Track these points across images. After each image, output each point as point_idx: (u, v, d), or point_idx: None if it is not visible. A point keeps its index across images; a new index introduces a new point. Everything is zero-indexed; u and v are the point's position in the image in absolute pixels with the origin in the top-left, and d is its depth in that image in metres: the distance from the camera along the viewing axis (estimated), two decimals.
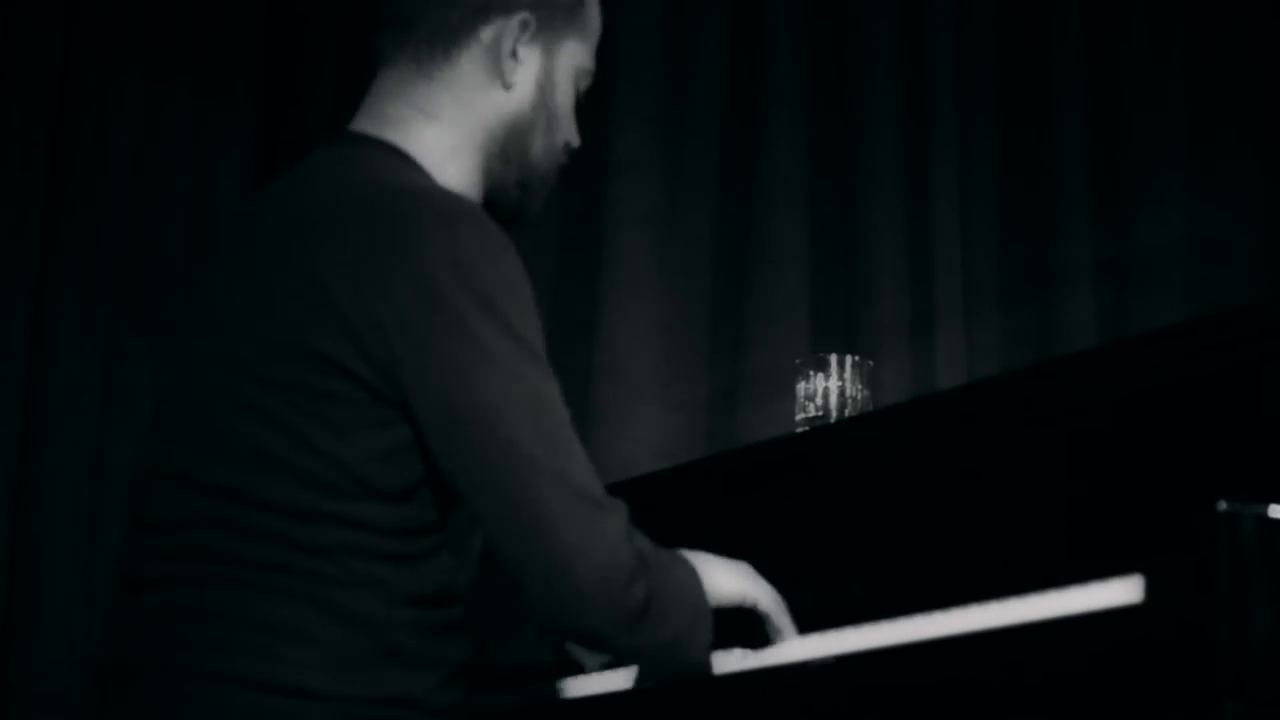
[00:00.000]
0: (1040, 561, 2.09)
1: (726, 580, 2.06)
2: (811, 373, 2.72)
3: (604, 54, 3.82)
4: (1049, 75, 3.91)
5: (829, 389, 2.71)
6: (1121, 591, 1.70)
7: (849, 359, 2.73)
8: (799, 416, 2.73)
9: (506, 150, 2.13)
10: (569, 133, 2.20)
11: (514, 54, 2.12)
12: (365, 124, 2.11)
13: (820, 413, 2.70)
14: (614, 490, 2.39)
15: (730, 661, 2.09)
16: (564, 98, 2.18)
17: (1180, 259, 3.80)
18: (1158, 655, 1.66)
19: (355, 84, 2.21)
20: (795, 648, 2.07)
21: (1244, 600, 1.62)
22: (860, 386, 2.72)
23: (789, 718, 1.99)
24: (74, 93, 3.48)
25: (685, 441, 3.68)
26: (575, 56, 2.19)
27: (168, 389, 2.05)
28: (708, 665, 2.00)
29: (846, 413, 2.69)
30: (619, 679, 2.23)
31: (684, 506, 2.57)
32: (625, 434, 3.64)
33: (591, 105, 3.82)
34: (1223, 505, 1.64)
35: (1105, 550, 2.00)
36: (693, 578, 2.00)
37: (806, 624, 2.14)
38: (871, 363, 2.77)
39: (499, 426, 1.88)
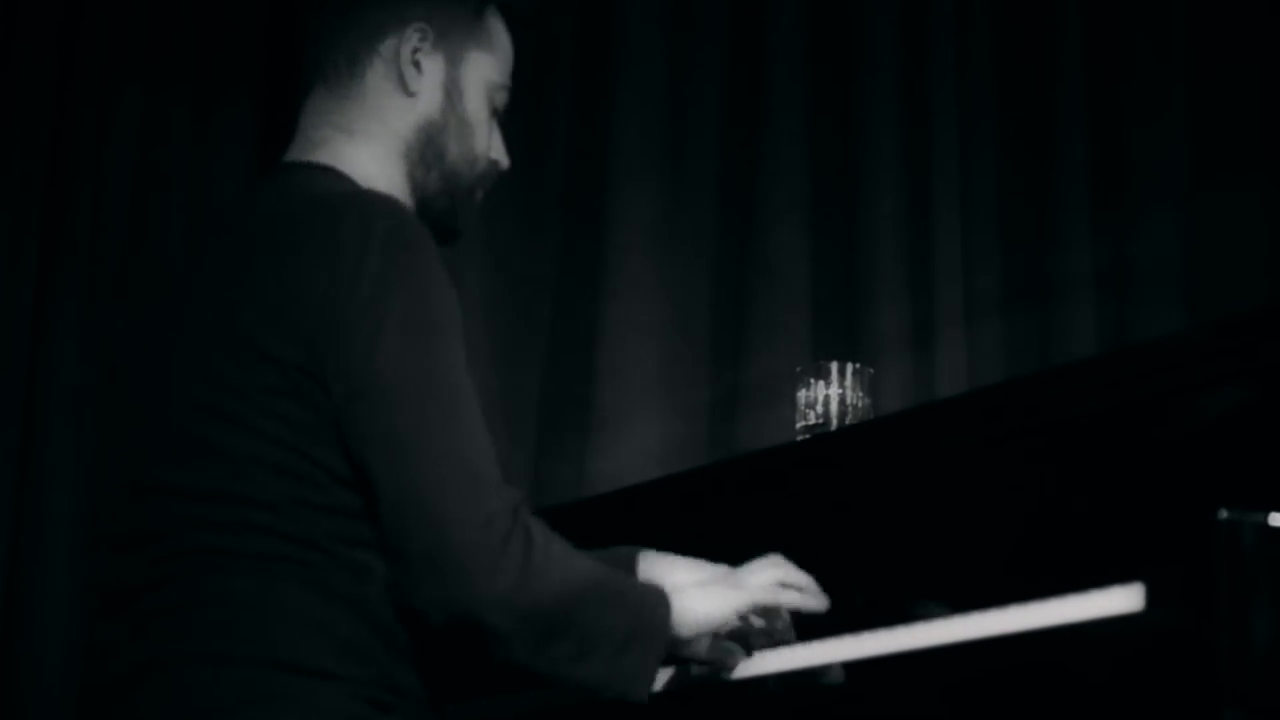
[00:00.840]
0: (1041, 569, 2.09)
1: (705, 604, 2.06)
2: (812, 380, 2.72)
3: (605, 59, 3.87)
4: (1050, 85, 3.91)
5: (829, 396, 2.71)
6: (1122, 599, 1.70)
7: (850, 367, 2.73)
8: (799, 424, 2.73)
9: (424, 155, 2.21)
10: (489, 146, 2.28)
11: (416, 64, 2.21)
12: (295, 152, 2.22)
13: (821, 420, 2.71)
14: (615, 497, 2.40)
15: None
16: (474, 107, 2.25)
17: (1180, 267, 3.79)
18: (1158, 663, 1.67)
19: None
20: (785, 656, 2.07)
21: (1244, 609, 1.62)
22: (861, 394, 2.72)
23: None
24: (75, 100, 3.49)
25: (686, 449, 3.68)
26: (481, 68, 2.26)
27: (135, 409, 2.11)
28: (644, 695, 1.99)
29: (847, 420, 2.69)
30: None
31: (684, 514, 2.57)
32: (626, 441, 3.64)
33: (593, 114, 3.86)
34: (1224, 514, 1.64)
35: (1106, 558, 2.00)
36: (643, 597, 2.01)
37: (807, 632, 2.15)
38: (872, 370, 2.77)
39: (396, 401, 1.94)
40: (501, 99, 2.30)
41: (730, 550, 2.48)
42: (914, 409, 3.19)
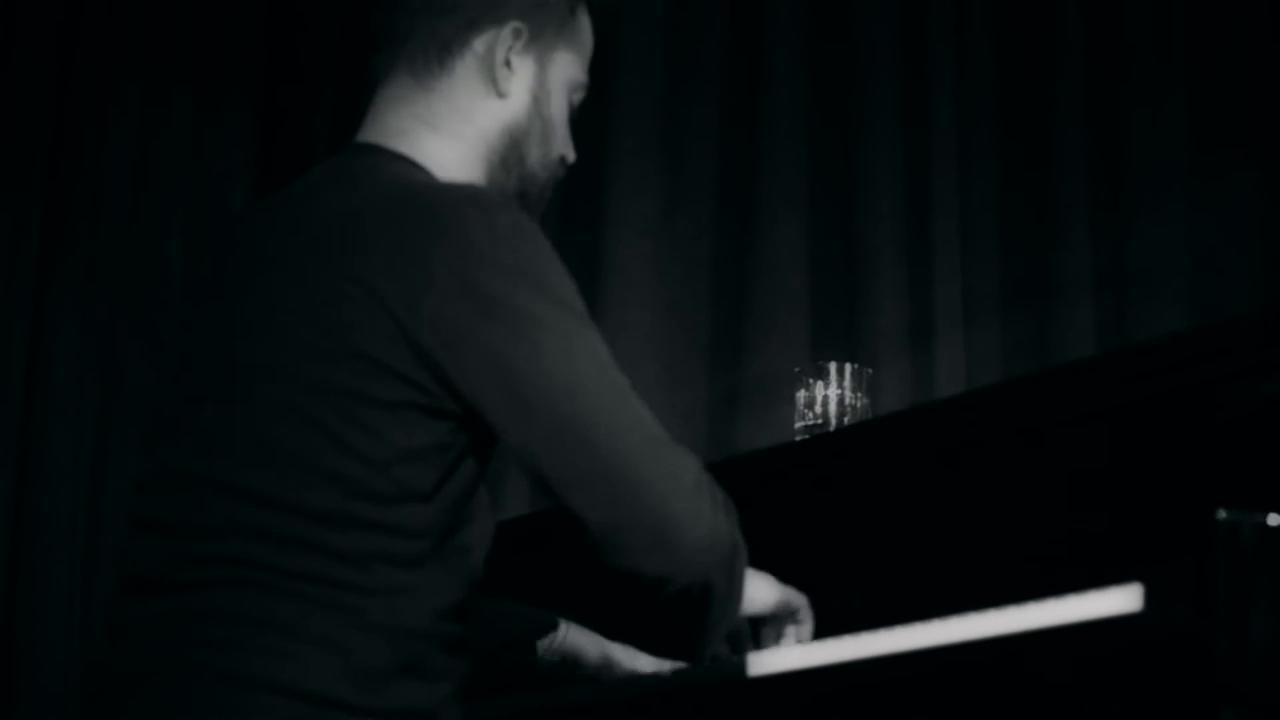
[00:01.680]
0: (1040, 570, 2.09)
1: (767, 591, 2.10)
2: (811, 380, 2.72)
3: (604, 61, 3.86)
4: (1049, 83, 3.92)
5: (828, 397, 2.71)
6: (1121, 600, 1.70)
7: (848, 367, 2.73)
8: (798, 424, 2.73)
9: (506, 159, 2.15)
10: (564, 145, 2.23)
11: (507, 63, 2.14)
12: (372, 135, 2.12)
13: (820, 420, 2.71)
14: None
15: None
16: (558, 108, 2.20)
17: (1180, 267, 3.80)
18: (1157, 664, 1.67)
19: (356, 92, 2.22)
20: (790, 655, 2.07)
21: (1243, 609, 1.62)
22: (860, 394, 2.72)
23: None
24: (74, 99, 3.49)
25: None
26: (568, 68, 2.20)
27: (183, 394, 2.02)
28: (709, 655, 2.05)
29: (846, 420, 2.69)
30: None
31: None
32: None
33: (591, 112, 3.85)
34: (1222, 514, 1.64)
35: (1105, 558, 2.01)
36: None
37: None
38: (871, 370, 2.77)
39: (573, 398, 1.91)
40: (579, 97, 2.25)
41: None
42: (913, 409, 3.19)
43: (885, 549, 2.30)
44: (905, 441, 2.33)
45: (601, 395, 1.93)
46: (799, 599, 2.15)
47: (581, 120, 3.97)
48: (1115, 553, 2.00)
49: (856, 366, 2.73)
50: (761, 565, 2.39)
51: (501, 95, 2.14)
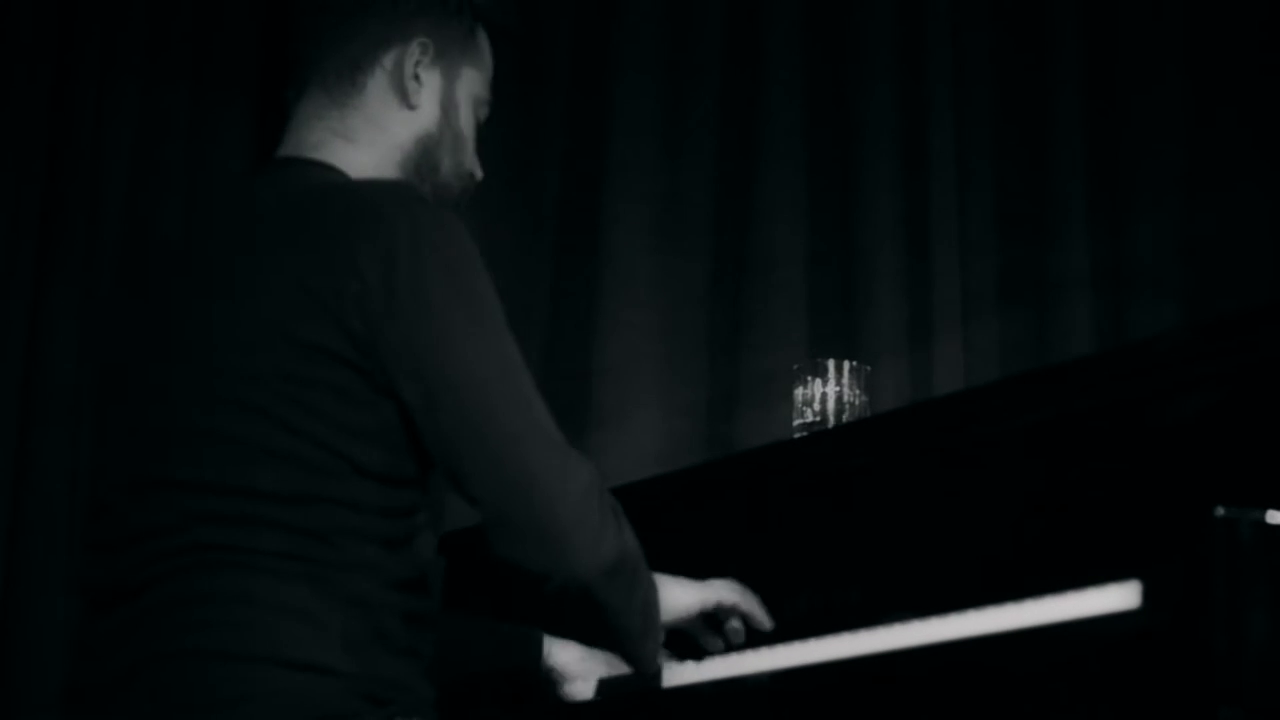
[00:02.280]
0: (1038, 566, 2.09)
1: (683, 593, 2.21)
2: (810, 378, 2.73)
3: (602, 57, 3.87)
4: (1046, 83, 3.92)
5: (827, 394, 2.71)
6: (1118, 597, 1.70)
7: (847, 364, 2.73)
8: (797, 421, 2.73)
9: (420, 166, 2.24)
10: (473, 161, 2.32)
11: (416, 77, 2.24)
12: (291, 150, 2.22)
13: (818, 418, 2.71)
14: (614, 495, 2.40)
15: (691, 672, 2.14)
16: (465, 122, 2.29)
17: (1177, 265, 3.80)
18: (1154, 661, 1.67)
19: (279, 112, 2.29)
20: (781, 654, 2.08)
21: (1241, 606, 1.62)
22: (858, 392, 2.72)
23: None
24: (72, 95, 3.49)
25: (684, 447, 3.69)
26: (472, 84, 2.30)
27: (130, 406, 2.10)
28: (656, 666, 2.13)
29: (844, 418, 2.70)
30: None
31: (683, 511, 2.57)
32: (624, 439, 3.65)
33: (591, 111, 3.86)
34: (1220, 511, 1.64)
35: (1102, 556, 2.01)
36: (652, 580, 2.13)
37: (804, 629, 2.15)
38: (869, 368, 2.77)
39: (480, 392, 2.00)
40: (484, 113, 2.34)
41: (729, 548, 2.49)
42: (911, 406, 3.19)
43: (883, 546, 2.30)
44: (904, 439, 2.34)
45: (506, 393, 2.02)
46: (729, 595, 2.24)
47: (580, 120, 3.98)
48: (1113, 550, 2.01)
49: (855, 364, 2.74)
50: (760, 563, 2.40)
51: (412, 107, 2.24)
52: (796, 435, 2.71)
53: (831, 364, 2.73)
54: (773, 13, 3.90)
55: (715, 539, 2.51)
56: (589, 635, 2.29)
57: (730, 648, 2.27)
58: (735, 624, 2.29)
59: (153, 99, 3.56)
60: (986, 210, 3.88)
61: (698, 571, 2.49)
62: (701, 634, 2.29)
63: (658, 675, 2.16)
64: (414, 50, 2.23)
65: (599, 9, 3.88)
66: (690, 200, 3.84)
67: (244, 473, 1.96)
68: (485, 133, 2.34)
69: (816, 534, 2.38)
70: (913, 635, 1.90)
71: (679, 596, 2.22)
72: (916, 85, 3.89)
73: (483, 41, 2.32)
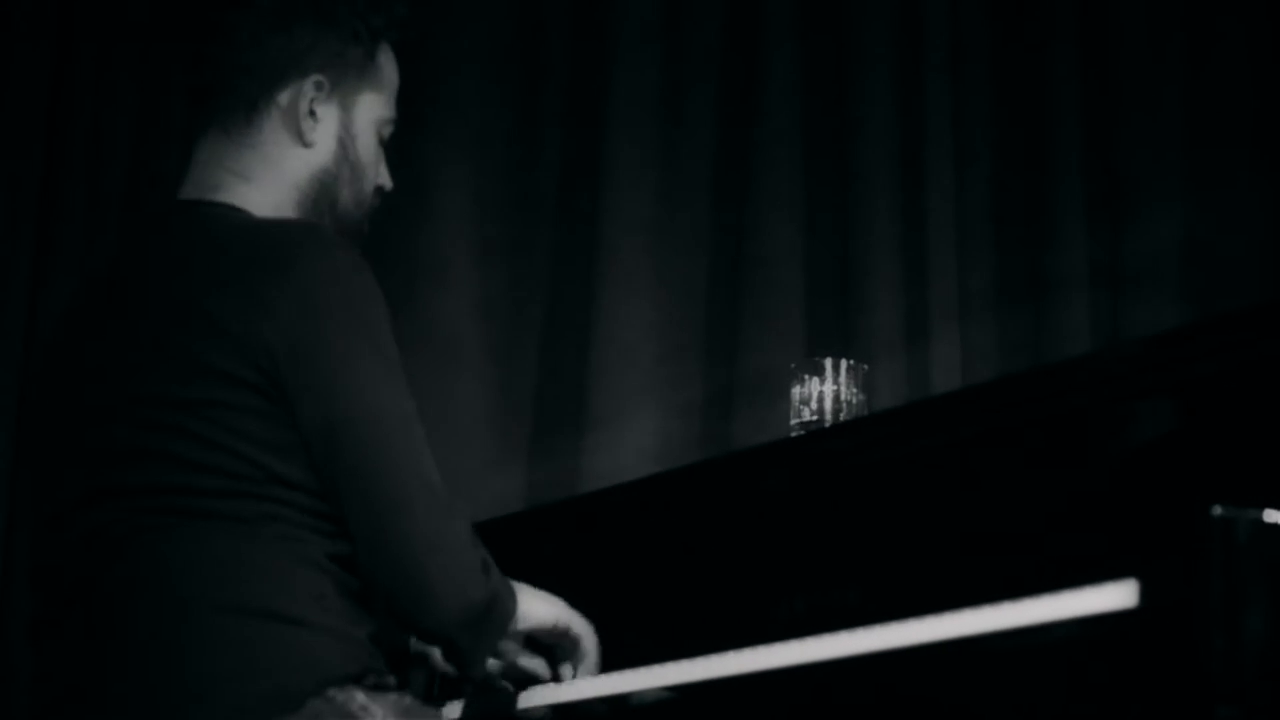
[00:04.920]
0: (1035, 565, 2.09)
1: (542, 605, 2.26)
2: (807, 377, 2.73)
3: (599, 55, 3.87)
4: (1045, 81, 3.91)
5: (824, 393, 2.71)
6: (1116, 596, 1.70)
7: (844, 363, 2.73)
8: (794, 421, 2.73)
9: (318, 203, 2.27)
10: (378, 178, 2.35)
11: (312, 114, 2.26)
12: (192, 193, 2.25)
13: (815, 417, 2.71)
14: (608, 495, 2.42)
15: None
16: (365, 148, 2.31)
17: (1175, 264, 3.80)
18: (1151, 660, 1.67)
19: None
20: (795, 650, 2.08)
21: (1238, 605, 1.62)
22: (855, 391, 2.72)
23: None
24: (70, 95, 3.49)
25: (680, 446, 3.69)
26: (373, 109, 2.32)
27: (68, 429, 2.16)
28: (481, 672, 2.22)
29: (841, 417, 2.69)
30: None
31: (679, 511, 2.57)
32: (620, 438, 3.65)
33: (588, 110, 3.86)
34: (1218, 510, 1.64)
35: (1100, 554, 2.01)
36: (510, 591, 2.20)
37: (802, 629, 2.15)
38: (866, 367, 2.77)
39: (366, 438, 2.06)
40: (389, 131, 2.36)
41: (727, 547, 2.48)
42: (908, 405, 3.19)
43: (881, 545, 2.30)
44: (901, 438, 2.34)
45: (399, 444, 2.08)
46: (579, 626, 2.29)
47: (577, 119, 3.98)
48: (1111, 548, 2.01)
49: (852, 363, 2.73)
50: (758, 561, 2.40)
51: (308, 145, 2.26)
52: (794, 434, 2.71)
53: (829, 363, 2.73)
54: (770, 10, 3.90)
55: (713, 538, 2.51)
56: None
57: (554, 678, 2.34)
58: (588, 662, 2.32)
59: (150, 96, 3.56)
60: (984, 209, 3.88)
61: (698, 570, 2.49)
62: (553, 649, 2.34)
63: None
64: (308, 88, 2.25)
65: (597, 5, 3.88)
66: (687, 199, 3.83)
67: (178, 478, 2.04)
68: (388, 144, 2.36)
69: (814, 533, 2.37)
70: (911, 634, 1.90)
71: (536, 609, 2.25)
72: (914, 84, 3.89)
73: (384, 62, 2.33)
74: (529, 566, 2.45)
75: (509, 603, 2.18)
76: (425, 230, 3.69)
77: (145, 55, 3.56)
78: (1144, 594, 1.68)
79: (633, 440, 3.65)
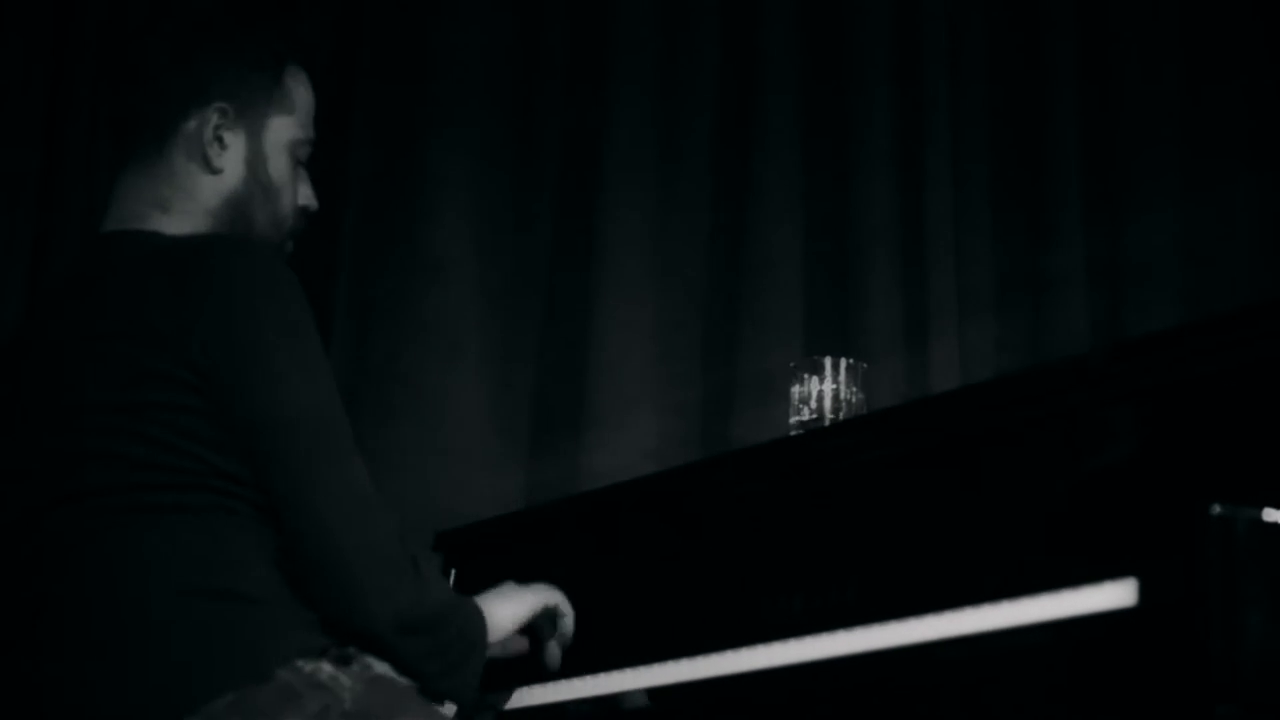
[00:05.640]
0: (1034, 564, 2.09)
1: (508, 607, 2.29)
2: (806, 376, 2.73)
3: (599, 55, 3.87)
4: (1042, 81, 3.92)
5: (823, 392, 2.71)
6: (1115, 594, 1.70)
7: (843, 362, 2.73)
8: (793, 419, 2.73)
9: (234, 227, 2.29)
10: (298, 197, 2.37)
11: (219, 140, 2.29)
12: (114, 225, 2.28)
13: (815, 415, 2.71)
14: (608, 494, 2.42)
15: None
16: (277, 170, 2.33)
17: (1173, 263, 3.80)
18: (1150, 658, 1.67)
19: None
20: (774, 653, 2.07)
21: (1237, 603, 1.63)
22: (854, 389, 2.72)
23: None
24: (68, 95, 3.49)
25: (680, 445, 3.69)
26: (284, 131, 2.34)
27: (21, 436, 2.19)
28: (470, 697, 2.21)
29: (841, 416, 2.69)
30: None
31: (678, 510, 2.57)
32: (620, 437, 3.65)
33: (587, 109, 3.86)
34: (1217, 508, 1.64)
35: (1099, 553, 2.01)
36: (472, 608, 2.23)
37: (801, 627, 2.15)
38: (866, 366, 2.77)
39: (289, 438, 2.10)
40: (305, 151, 2.37)
41: (727, 546, 2.48)
42: (907, 404, 3.19)
43: (880, 543, 2.30)
44: (900, 436, 2.34)
45: (323, 441, 2.12)
46: (551, 596, 2.34)
47: (577, 118, 3.98)
48: (1110, 547, 2.01)
49: (851, 362, 2.73)
50: (757, 560, 2.39)
51: (215, 171, 2.28)
52: (793, 433, 2.70)
53: (828, 361, 2.73)
54: (769, 12, 3.90)
55: (712, 537, 2.51)
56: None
57: (564, 643, 2.37)
58: (567, 622, 2.37)
59: None
60: (982, 208, 3.88)
61: (697, 569, 2.49)
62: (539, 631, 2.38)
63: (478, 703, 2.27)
64: (212, 115, 2.27)
65: (596, 10, 3.88)
66: (687, 199, 3.83)
67: (127, 477, 2.08)
68: (304, 163, 2.36)
69: (813, 532, 2.37)
70: (910, 633, 1.90)
71: (503, 614, 2.28)
72: (912, 84, 3.89)
73: (291, 85, 2.35)
74: (528, 565, 2.46)
75: (475, 620, 2.21)
76: (425, 229, 3.69)
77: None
78: (1143, 592, 1.68)
79: (632, 439, 3.65)
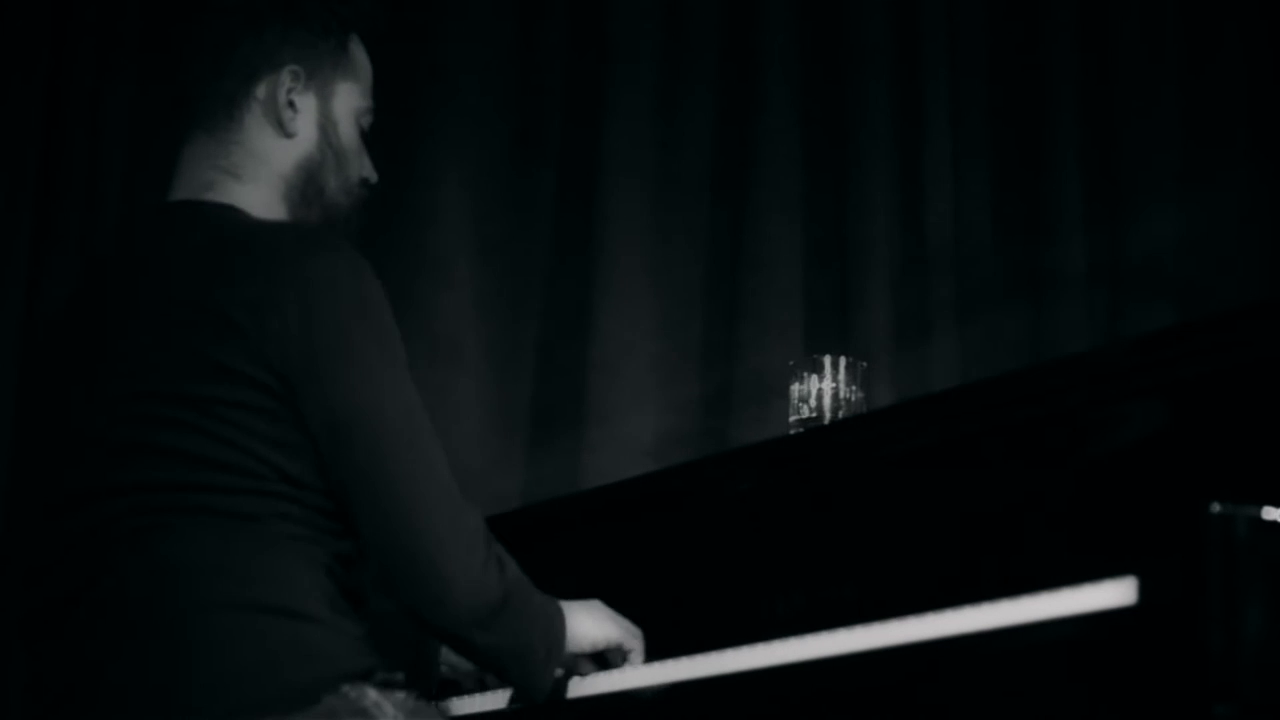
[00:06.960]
0: (1034, 563, 2.09)
1: (592, 627, 2.27)
2: (806, 374, 2.73)
3: (598, 53, 3.86)
4: (1042, 80, 3.92)
5: (823, 390, 2.71)
6: (1114, 593, 1.70)
7: (843, 361, 2.73)
8: (793, 418, 2.73)
9: (306, 193, 2.29)
10: (362, 168, 2.37)
11: (291, 104, 2.29)
12: (184, 193, 2.28)
13: (814, 414, 2.71)
14: (608, 493, 2.42)
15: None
16: (347, 136, 2.34)
17: (1173, 262, 3.80)
18: (1149, 657, 1.67)
19: None
20: (773, 651, 2.08)
21: (1236, 602, 1.63)
22: (854, 388, 2.72)
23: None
24: (67, 94, 3.48)
25: (679, 443, 3.69)
26: (350, 98, 2.35)
27: (62, 426, 2.17)
28: (555, 691, 2.21)
29: (840, 414, 2.69)
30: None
31: (678, 508, 2.57)
32: (619, 435, 3.65)
33: (586, 106, 3.86)
34: (1216, 507, 1.64)
35: (1098, 552, 2.01)
36: (555, 610, 2.22)
37: (800, 626, 2.15)
38: (865, 364, 2.77)
39: (377, 433, 2.10)
40: (368, 121, 2.38)
41: (726, 544, 2.48)
42: (907, 403, 3.19)
43: (879, 542, 2.30)
44: (899, 435, 2.34)
45: (407, 437, 2.11)
46: (632, 638, 2.31)
47: (576, 116, 3.98)
48: (1109, 545, 2.01)
49: (851, 360, 2.74)
50: (757, 559, 2.39)
51: (290, 135, 2.29)
52: (793, 431, 2.71)
53: (828, 360, 2.73)
54: (769, 9, 3.90)
55: (712, 536, 2.51)
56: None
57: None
58: (634, 660, 2.34)
59: (148, 94, 3.56)
60: (982, 208, 3.88)
61: (696, 568, 2.49)
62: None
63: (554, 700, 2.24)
64: (285, 78, 2.28)
65: (596, 11, 3.88)
66: (685, 196, 3.83)
67: (184, 474, 2.07)
68: (369, 137, 2.38)
69: (813, 530, 2.38)
70: (909, 631, 1.90)
71: (588, 630, 2.27)
72: (912, 83, 3.89)
73: (356, 52, 2.36)
74: (528, 564, 2.46)
75: (555, 626, 2.20)
76: (424, 229, 3.69)
77: (142, 54, 3.56)
78: (1142, 591, 1.68)
79: (631, 438, 3.65)
